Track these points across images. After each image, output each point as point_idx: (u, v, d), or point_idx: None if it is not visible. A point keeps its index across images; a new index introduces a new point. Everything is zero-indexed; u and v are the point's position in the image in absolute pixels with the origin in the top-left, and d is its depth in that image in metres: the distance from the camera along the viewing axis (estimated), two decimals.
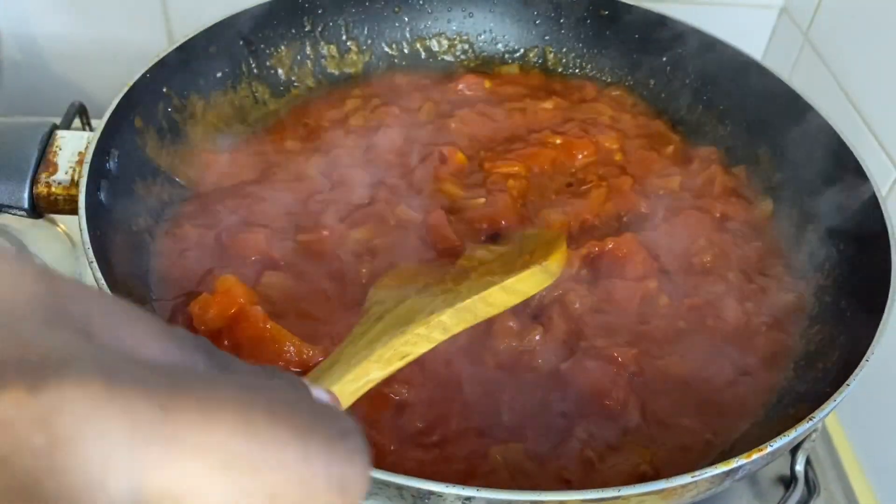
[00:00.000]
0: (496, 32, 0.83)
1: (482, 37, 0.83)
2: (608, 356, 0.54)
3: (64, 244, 0.74)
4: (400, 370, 0.51)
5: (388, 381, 0.51)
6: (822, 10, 0.87)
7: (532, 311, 0.57)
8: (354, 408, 0.49)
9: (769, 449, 0.42)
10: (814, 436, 0.52)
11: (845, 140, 0.63)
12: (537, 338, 0.55)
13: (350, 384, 0.40)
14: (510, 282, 0.50)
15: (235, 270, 0.55)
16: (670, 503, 0.43)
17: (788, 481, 0.59)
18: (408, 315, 0.46)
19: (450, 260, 0.58)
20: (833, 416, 0.70)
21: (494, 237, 0.62)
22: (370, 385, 0.41)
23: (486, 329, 0.54)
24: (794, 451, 0.56)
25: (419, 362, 0.51)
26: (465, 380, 0.53)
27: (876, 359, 0.47)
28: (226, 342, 0.51)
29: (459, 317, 0.47)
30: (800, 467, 0.56)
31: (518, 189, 0.65)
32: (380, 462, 0.40)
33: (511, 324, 0.55)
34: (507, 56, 0.83)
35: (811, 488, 0.58)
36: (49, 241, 0.74)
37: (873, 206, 0.58)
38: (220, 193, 0.63)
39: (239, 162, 0.66)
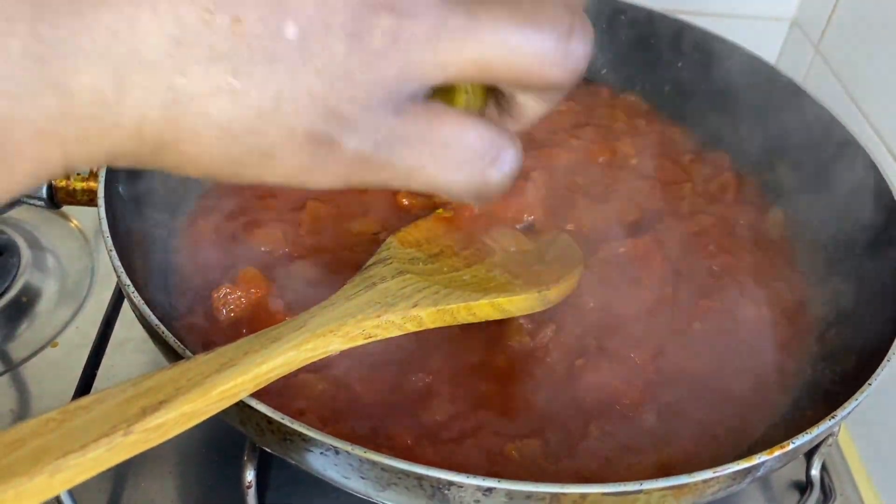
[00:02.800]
0: None
1: None
2: (623, 356, 0.54)
3: (77, 239, 0.74)
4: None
5: (409, 369, 0.51)
6: (833, 22, 0.88)
7: (545, 309, 0.57)
8: (367, 403, 0.50)
9: (791, 446, 0.42)
10: (830, 440, 0.52)
11: (862, 145, 0.63)
12: (550, 336, 0.55)
13: (307, 352, 0.41)
14: (501, 300, 0.50)
15: (255, 262, 0.55)
16: (690, 500, 0.42)
17: (803, 487, 0.58)
18: (393, 297, 0.46)
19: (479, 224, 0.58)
20: (844, 427, 0.70)
21: (529, 228, 0.62)
22: (325, 355, 0.42)
23: (498, 325, 0.54)
24: (809, 455, 0.56)
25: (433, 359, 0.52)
26: (478, 377, 0.53)
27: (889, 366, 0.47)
28: (244, 330, 0.51)
29: (438, 317, 0.47)
30: (815, 472, 0.56)
31: (543, 181, 0.65)
32: (396, 456, 0.40)
33: (523, 321, 0.55)
34: None
35: (827, 494, 0.58)
36: (62, 236, 0.74)
37: (891, 211, 0.58)
38: (235, 187, 0.63)
39: None
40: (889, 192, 0.59)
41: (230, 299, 0.53)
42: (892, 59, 0.75)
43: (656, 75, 0.80)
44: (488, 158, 0.31)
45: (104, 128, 0.26)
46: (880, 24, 0.78)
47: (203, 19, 0.25)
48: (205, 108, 0.27)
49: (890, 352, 0.47)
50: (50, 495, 0.31)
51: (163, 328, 0.44)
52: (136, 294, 0.46)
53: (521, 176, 0.66)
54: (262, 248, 0.59)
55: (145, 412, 0.34)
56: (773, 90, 0.71)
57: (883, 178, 0.60)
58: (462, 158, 0.31)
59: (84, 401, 0.34)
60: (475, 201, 0.33)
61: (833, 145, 0.66)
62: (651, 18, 0.78)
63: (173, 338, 0.43)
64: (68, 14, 0.24)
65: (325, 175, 0.29)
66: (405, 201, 0.63)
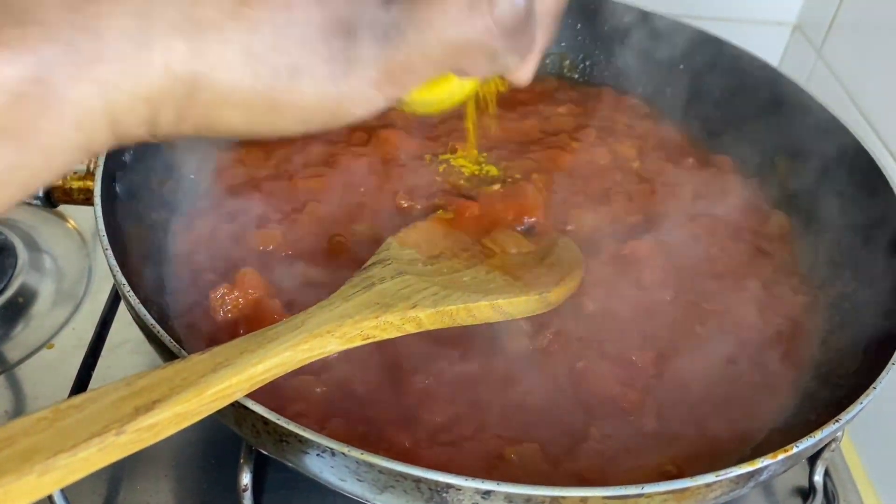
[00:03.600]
0: None
1: None
2: (624, 359, 0.54)
3: (74, 240, 0.73)
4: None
5: (407, 371, 0.51)
6: (835, 27, 0.87)
7: (545, 311, 0.56)
8: (365, 405, 0.49)
9: (795, 450, 0.41)
10: (834, 445, 0.51)
11: (864, 148, 0.62)
12: (550, 338, 0.54)
13: (304, 353, 0.40)
14: (501, 302, 0.49)
15: (253, 263, 0.55)
16: None
17: (806, 492, 0.57)
18: (392, 298, 0.46)
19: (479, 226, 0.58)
20: (846, 433, 0.69)
21: (530, 230, 0.61)
22: (322, 356, 0.42)
23: (498, 327, 0.53)
24: (812, 461, 0.55)
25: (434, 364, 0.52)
26: (477, 379, 0.52)
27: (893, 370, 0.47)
28: (241, 331, 0.50)
29: (437, 318, 0.46)
30: (818, 478, 0.55)
31: (543, 182, 0.64)
32: (394, 459, 0.39)
33: (523, 323, 0.54)
34: None
35: (830, 499, 0.57)
36: (59, 236, 0.73)
37: (893, 214, 0.57)
38: (234, 188, 0.63)
39: (252, 158, 0.66)
40: (892, 194, 0.59)
41: (228, 300, 0.52)
42: (894, 63, 0.75)
43: (658, 78, 0.79)
44: None
45: (137, 66, 0.28)
46: (882, 29, 0.78)
47: None
48: (224, 34, 0.29)
49: (894, 356, 0.46)
50: (40, 495, 0.30)
51: (158, 328, 0.44)
52: (131, 294, 0.45)
53: (522, 178, 0.66)
54: (261, 249, 0.58)
55: (138, 412, 0.33)
56: (776, 93, 0.71)
57: (886, 181, 0.60)
58: (466, 3, 0.31)
59: (76, 399, 0.33)
60: (509, 55, 0.34)
61: (835, 148, 0.65)
62: (654, 22, 0.77)
63: (169, 338, 0.43)
64: None
65: (355, 88, 0.31)
66: (404, 203, 0.63)
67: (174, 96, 0.29)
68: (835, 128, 0.66)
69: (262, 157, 0.67)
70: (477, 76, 0.36)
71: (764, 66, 0.73)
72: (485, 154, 0.69)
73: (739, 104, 0.74)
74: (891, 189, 0.59)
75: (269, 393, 0.40)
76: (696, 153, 0.74)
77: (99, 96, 0.28)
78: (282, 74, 0.30)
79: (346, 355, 0.48)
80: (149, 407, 0.34)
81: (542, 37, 0.36)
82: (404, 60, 0.31)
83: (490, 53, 0.33)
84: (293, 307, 0.53)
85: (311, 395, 0.49)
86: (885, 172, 0.60)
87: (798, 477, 0.60)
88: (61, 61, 0.26)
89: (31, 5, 0.26)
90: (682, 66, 0.77)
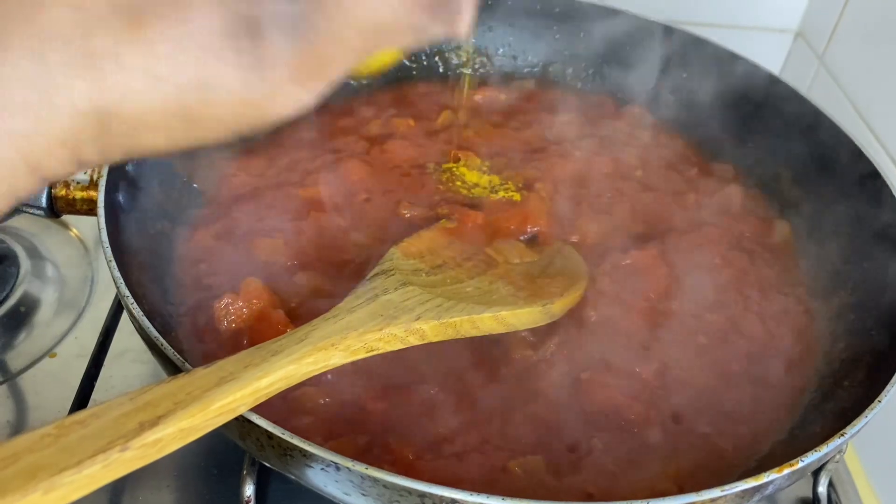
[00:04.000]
0: (515, 47, 0.83)
1: (501, 51, 0.83)
2: (628, 370, 0.54)
3: (77, 248, 0.73)
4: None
5: (410, 383, 0.51)
6: (837, 34, 0.87)
7: (549, 322, 0.56)
8: (369, 417, 0.49)
9: (801, 464, 0.41)
10: (838, 456, 0.51)
11: (866, 155, 0.62)
12: (554, 349, 0.54)
13: (309, 366, 0.40)
14: (505, 314, 0.49)
15: (256, 273, 0.55)
16: None
17: (809, 503, 0.57)
18: (396, 310, 0.45)
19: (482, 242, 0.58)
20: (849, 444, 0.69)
21: (533, 239, 0.61)
22: (326, 369, 0.41)
23: (501, 338, 0.53)
24: (816, 472, 0.55)
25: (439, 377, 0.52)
26: (481, 390, 0.52)
27: None
28: (245, 341, 0.50)
29: (441, 330, 0.46)
30: (822, 489, 0.55)
31: (546, 191, 0.64)
32: (398, 472, 0.39)
33: (526, 334, 0.54)
34: (525, 70, 0.83)
35: None
36: (62, 245, 0.73)
37: None
38: (237, 198, 0.63)
39: (255, 167, 0.66)
40: (894, 201, 0.59)
41: (232, 310, 0.52)
42: None
43: (660, 87, 0.79)
44: None
45: (44, 112, 0.27)
46: (884, 36, 0.78)
47: None
48: (119, 62, 0.27)
49: None
50: None
51: (162, 340, 0.43)
52: (135, 305, 0.45)
53: (525, 187, 0.66)
54: (264, 259, 0.58)
55: (143, 427, 0.33)
56: (778, 101, 0.71)
57: (888, 188, 0.60)
58: None
59: (80, 415, 0.33)
60: (433, 25, 0.31)
61: (838, 156, 0.65)
62: (656, 30, 0.77)
63: (172, 350, 0.43)
64: None
65: (271, 87, 0.29)
66: (406, 213, 0.63)
67: (89, 134, 0.28)
68: (837, 136, 0.66)
69: (266, 166, 0.67)
70: (405, 47, 0.33)
71: (766, 75, 0.73)
72: (488, 163, 0.69)
73: (742, 113, 0.74)
74: (894, 197, 0.59)
75: (271, 405, 0.40)
76: (698, 162, 0.74)
77: (12, 148, 0.27)
78: (191, 91, 0.28)
79: (350, 367, 0.48)
80: (153, 422, 0.34)
81: None
82: (320, 52, 0.29)
83: (412, 28, 0.31)
84: (297, 317, 0.52)
85: (314, 407, 0.49)
86: (887, 181, 0.60)
87: (802, 488, 0.60)
88: None
89: None
90: (684, 75, 0.77)
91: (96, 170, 0.55)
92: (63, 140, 0.28)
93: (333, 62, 0.30)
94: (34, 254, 0.72)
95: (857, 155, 0.64)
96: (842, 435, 0.43)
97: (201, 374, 0.37)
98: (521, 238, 0.62)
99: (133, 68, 0.28)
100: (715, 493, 0.39)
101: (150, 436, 0.33)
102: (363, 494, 0.40)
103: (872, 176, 0.62)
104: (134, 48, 0.27)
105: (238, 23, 0.28)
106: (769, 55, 0.95)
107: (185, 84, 0.28)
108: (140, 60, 0.28)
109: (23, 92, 0.27)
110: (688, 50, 0.76)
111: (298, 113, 0.31)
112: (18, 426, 0.60)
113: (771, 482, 0.40)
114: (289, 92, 0.30)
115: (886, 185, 0.60)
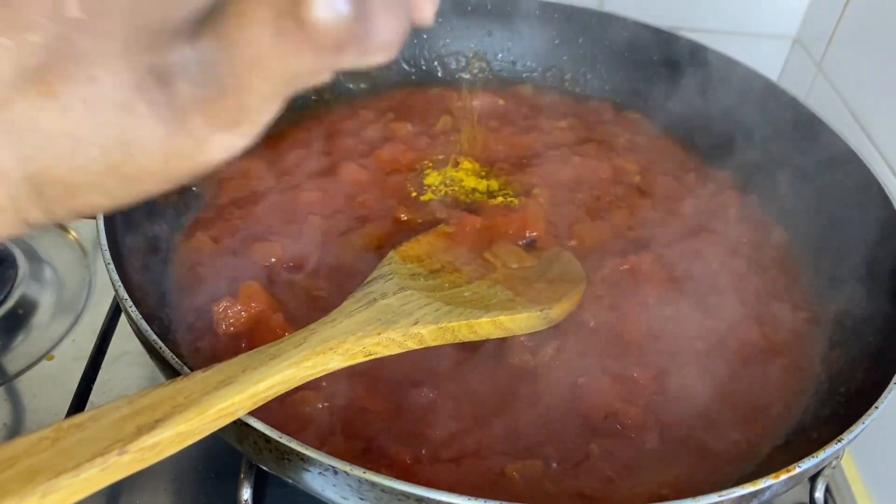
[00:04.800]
0: (514, 52, 0.83)
1: (500, 56, 0.83)
2: (626, 376, 0.54)
3: (75, 252, 0.73)
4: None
5: (409, 387, 0.51)
6: (835, 41, 0.88)
7: (547, 327, 0.56)
8: (368, 421, 0.49)
9: (798, 470, 0.41)
10: (835, 462, 0.51)
11: (864, 161, 0.63)
12: (552, 354, 0.54)
13: (307, 370, 0.40)
14: (503, 318, 0.49)
15: (255, 277, 0.55)
16: None
17: None
18: (394, 314, 0.46)
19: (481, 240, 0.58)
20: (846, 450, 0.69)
21: (531, 244, 0.62)
22: (325, 373, 0.41)
23: (499, 343, 0.53)
24: (813, 478, 0.55)
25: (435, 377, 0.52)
26: (479, 395, 0.52)
27: None
28: (243, 344, 0.50)
29: (440, 335, 0.46)
30: (819, 494, 0.55)
31: (544, 196, 0.65)
32: (395, 476, 0.39)
33: (524, 338, 0.54)
34: (524, 75, 0.84)
35: None
36: (60, 248, 0.73)
37: (894, 227, 0.57)
38: (236, 201, 0.63)
39: (254, 171, 0.66)
40: (891, 207, 0.59)
41: (230, 313, 0.52)
42: (894, 76, 0.75)
43: (659, 92, 0.79)
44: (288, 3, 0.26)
45: None
46: (882, 43, 0.78)
47: None
48: (40, 132, 0.27)
49: None
50: None
51: (160, 343, 0.43)
52: (133, 308, 0.45)
53: (524, 192, 0.66)
54: (263, 263, 0.58)
55: (141, 431, 0.33)
56: (776, 107, 0.71)
57: (885, 194, 0.60)
58: (270, 17, 0.26)
59: (78, 418, 0.33)
60: (352, 59, 0.28)
61: (835, 162, 0.65)
62: (654, 36, 0.78)
63: (171, 354, 0.43)
64: None
65: (193, 135, 0.28)
66: (404, 216, 0.63)
67: (27, 199, 0.28)
68: (834, 142, 0.66)
69: (265, 169, 0.67)
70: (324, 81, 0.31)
71: (764, 81, 0.73)
72: (486, 168, 0.69)
73: (740, 118, 0.74)
74: (891, 204, 0.59)
75: (269, 408, 0.40)
76: (696, 168, 0.74)
77: None
78: (114, 149, 0.28)
79: (348, 370, 0.48)
80: (151, 426, 0.34)
81: (389, 19, 0.28)
82: (233, 101, 0.28)
83: (327, 67, 0.28)
84: (295, 321, 0.52)
85: (312, 411, 0.49)
86: (884, 187, 0.61)
87: (798, 493, 0.60)
88: None
89: None
90: (682, 81, 0.77)
91: None
92: (3, 207, 0.28)
93: (251, 109, 0.28)
94: (32, 256, 0.72)
95: (855, 161, 0.64)
96: (839, 441, 0.43)
97: (199, 378, 0.37)
98: (520, 243, 0.62)
99: (53, 133, 0.27)
100: (712, 498, 0.39)
101: (149, 439, 0.33)
102: (361, 499, 0.40)
103: (869, 182, 0.62)
104: (49, 113, 0.27)
105: (145, 75, 0.27)
106: (767, 62, 0.96)
107: (107, 143, 0.27)
108: (58, 124, 0.27)
109: None
110: (686, 56, 0.76)
111: (233, 156, 0.30)
112: (15, 429, 0.60)
113: (768, 488, 0.40)
114: (215, 139, 0.28)
115: (883, 191, 0.60)
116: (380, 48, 0.29)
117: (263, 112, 0.29)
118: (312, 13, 0.26)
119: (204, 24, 0.27)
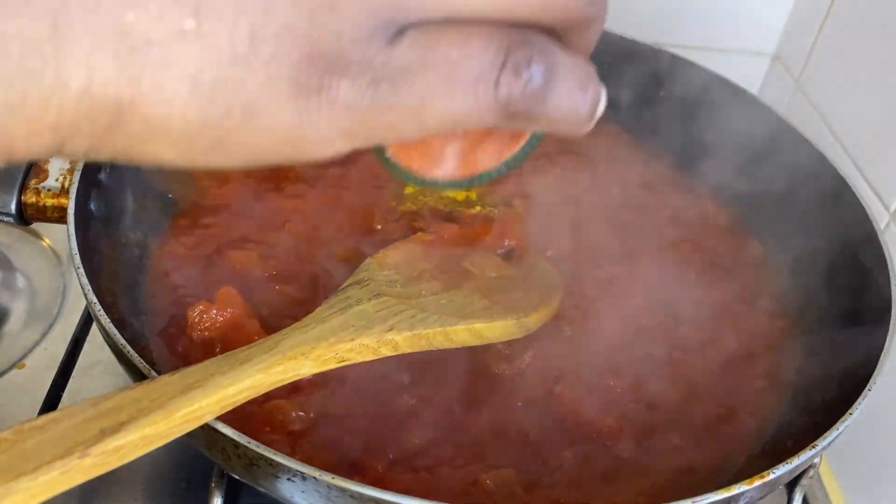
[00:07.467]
0: None
1: None
2: (602, 384, 0.54)
3: (49, 259, 0.72)
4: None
5: (383, 395, 0.50)
6: (814, 57, 0.89)
7: (523, 336, 0.56)
8: (340, 429, 0.49)
9: (772, 476, 0.41)
10: (812, 471, 0.51)
11: (841, 175, 0.63)
12: (528, 362, 0.54)
13: (277, 375, 0.40)
14: (479, 326, 0.49)
15: (230, 282, 0.54)
16: None
17: None
18: (368, 320, 0.45)
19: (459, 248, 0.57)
20: (824, 459, 0.69)
21: (509, 254, 0.61)
22: (296, 378, 0.41)
23: (475, 351, 0.53)
24: (791, 487, 0.55)
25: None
26: (453, 403, 0.52)
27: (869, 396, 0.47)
28: (218, 349, 0.50)
29: (414, 342, 0.46)
30: None
31: (523, 206, 0.65)
32: (367, 484, 0.39)
33: (501, 347, 0.54)
34: None
35: None
36: (34, 255, 0.72)
37: (871, 241, 0.58)
38: (212, 208, 0.63)
39: (232, 176, 0.66)
40: (869, 222, 0.59)
41: (206, 318, 0.51)
42: (871, 93, 0.76)
43: (637, 105, 0.80)
44: (499, 64, 0.25)
45: (45, 88, 0.22)
46: (860, 59, 0.79)
47: None
48: (166, 56, 0.23)
49: (871, 381, 0.46)
50: None
51: (129, 348, 0.43)
52: (102, 313, 0.45)
53: (502, 203, 0.66)
54: (239, 269, 0.58)
55: (104, 434, 0.33)
56: (755, 121, 0.72)
57: (862, 207, 0.61)
58: (473, 73, 0.25)
59: (39, 420, 0.33)
60: (532, 127, 0.28)
61: (812, 176, 0.66)
62: (634, 49, 0.78)
63: (139, 358, 0.42)
64: None
65: (321, 133, 0.25)
66: (379, 226, 0.63)
67: (91, 126, 0.23)
68: (812, 156, 0.66)
69: (242, 176, 0.66)
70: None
71: (743, 94, 0.74)
72: None
73: (718, 132, 0.75)
74: (866, 215, 0.60)
75: (241, 415, 0.40)
76: (674, 180, 0.75)
77: None
78: (234, 112, 0.24)
79: (321, 378, 0.48)
80: (115, 429, 0.33)
81: (586, 94, 0.27)
82: (389, 119, 0.25)
83: (492, 125, 0.27)
84: (271, 327, 0.52)
85: (284, 418, 0.49)
86: (860, 199, 0.61)
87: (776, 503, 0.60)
88: None
89: None
90: (661, 94, 0.78)
91: (67, 177, 0.55)
92: (56, 125, 0.23)
93: (394, 132, 0.26)
94: (4, 264, 0.71)
95: (832, 175, 0.64)
96: (813, 447, 0.43)
97: (166, 381, 0.37)
98: (498, 252, 0.62)
99: (177, 66, 0.23)
100: None
101: (112, 442, 0.33)
102: None
103: (846, 195, 0.62)
104: (185, 46, 0.23)
105: (315, 58, 0.24)
106: (746, 78, 0.96)
107: (231, 104, 0.24)
108: (188, 61, 0.23)
109: (24, 57, 0.21)
110: (665, 69, 0.77)
111: (328, 160, 0.27)
112: None
113: (742, 494, 0.40)
114: (333, 141, 0.26)
115: (859, 203, 0.61)
116: (572, 125, 0.28)
117: (401, 136, 0.27)
118: (514, 90, 0.25)
119: (407, 34, 0.25)
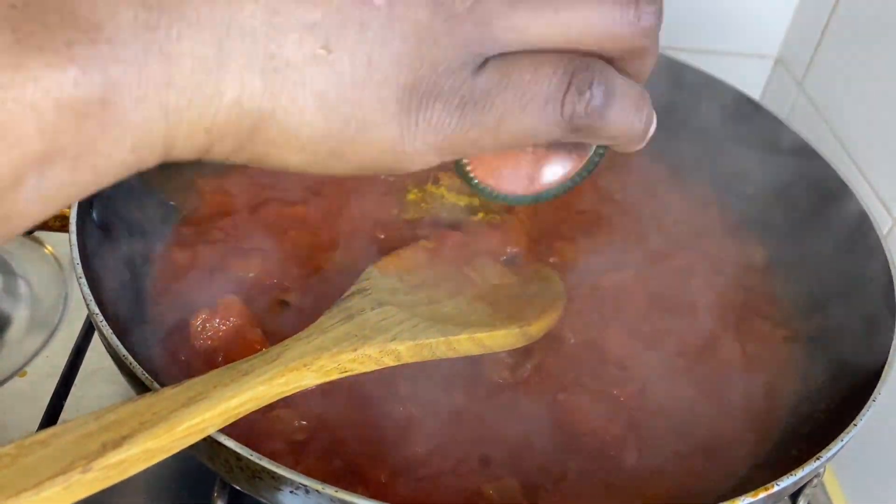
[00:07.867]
0: None
1: None
2: (605, 393, 0.54)
3: (51, 266, 0.72)
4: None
5: (386, 404, 0.50)
6: (816, 60, 0.88)
7: (526, 344, 0.56)
8: (343, 438, 0.49)
9: (776, 488, 0.41)
10: (816, 480, 0.51)
11: (844, 181, 0.63)
12: (530, 371, 0.54)
13: (280, 387, 0.39)
14: (481, 335, 0.49)
15: (233, 292, 0.54)
16: None
17: None
18: (371, 330, 0.45)
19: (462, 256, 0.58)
20: (828, 467, 0.69)
21: (512, 261, 0.61)
22: (298, 390, 0.41)
23: (478, 360, 0.53)
24: (794, 497, 0.55)
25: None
26: (456, 412, 0.51)
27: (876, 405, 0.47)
28: (220, 359, 0.50)
29: (417, 351, 0.46)
30: None
31: (526, 213, 0.64)
32: (370, 494, 0.38)
33: (503, 355, 0.54)
34: None
35: None
36: (36, 262, 0.72)
37: (874, 246, 0.58)
38: (215, 215, 0.62)
39: (234, 184, 0.66)
40: (872, 228, 0.59)
41: (209, 327, 0.51)
42: (875, 97, 0.75)
43: None
44: (565, 86, 0.30)
45: (206, 96, 0.27)
46: (863, 63, 0.79)
47: None
48: (302, 76, 0.28)
49: (875, 391, 0.46)
50: None
51: (131, 359, 0.43)
52: (104, 323, 0.45)
53: (505, 209, 0.66)
54: (242, 278, 0.57)
55: (106, 448, 0.33)
56: (757, 127, 0.72)
57: (866, 214, 0.60)
58: (543, 94, 0.30)
59: (41, 435, 0.33)
60: (593, 140, 0.34)
61: (816, 182, 0.66)
62: None
63: (141, 369, 0.42)
64: None
65: (416, 147, 0.30)
66: (381, 235, 0.63)
67: (238, 131, 0.28)
68: (816, 162, 0.66)
69: (245, 183, 0.66)
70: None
71: (745, 100, 0.73)
72: None
73: (721, 138, 0.75)
74: (871, 223, 0.60)
75: (242, 426, 0.39)
76: (677, 186, 0.75)
77: (161, 122, 0.27)
78: (351, 125, 0.29)
79: (324, 387, 0.48)
80: (117, 443, 0.33)
81: (638, 115, 0.33)
82: (472, 135, 0.31)
83: (559, 138, 0.32)
84: (274, 336, 0.52)
85: (286, 429, 0.48)
86: (865, 207, 0.61)
87: None
88: (129, 83, 0.25)
89: (105, 20, 0.25)
90: (664, 98, 0.77)
91: None
92: (210, 128, 0.28)
93: (475, 147, 0.31)
94: (7, 271, 0.71)
95: (836, 181, 0.64)
96: (818, 458, 0.42)
97: (169, 394, 0.36)
98: (501, 259, 0.61)
99: (309, 85, 0.28)
100: None
101: (114, 456, 0.33)
102: None
103: (850, 203, 0.62)
104: (317, 69, 0.28)
105: (416, 85, 0.29)
106: (749, 81, 0.96)
107: (349, 119, 0.29)
108: (319, 81, 0.28)
109: (194, 71, 0.26)
110: (667, 73, 0.77)
111: (419, 171, 0.32)
112: None
113: None
114: (426, 156, 0.31)
115: (865, 213, 0.61)
116: (628, 140, 0.34)
117: (480, 150, 0.32)
118: (580, 108, 0.31)
119: (489, 63, 0.30)
